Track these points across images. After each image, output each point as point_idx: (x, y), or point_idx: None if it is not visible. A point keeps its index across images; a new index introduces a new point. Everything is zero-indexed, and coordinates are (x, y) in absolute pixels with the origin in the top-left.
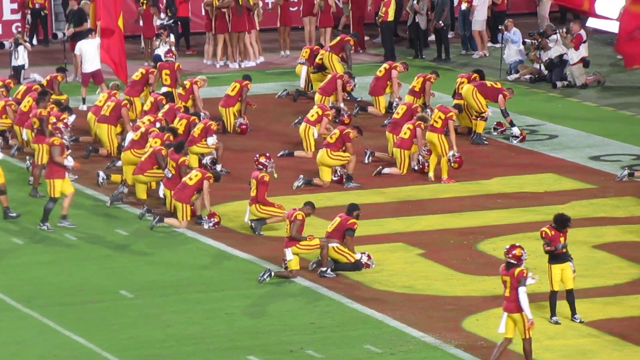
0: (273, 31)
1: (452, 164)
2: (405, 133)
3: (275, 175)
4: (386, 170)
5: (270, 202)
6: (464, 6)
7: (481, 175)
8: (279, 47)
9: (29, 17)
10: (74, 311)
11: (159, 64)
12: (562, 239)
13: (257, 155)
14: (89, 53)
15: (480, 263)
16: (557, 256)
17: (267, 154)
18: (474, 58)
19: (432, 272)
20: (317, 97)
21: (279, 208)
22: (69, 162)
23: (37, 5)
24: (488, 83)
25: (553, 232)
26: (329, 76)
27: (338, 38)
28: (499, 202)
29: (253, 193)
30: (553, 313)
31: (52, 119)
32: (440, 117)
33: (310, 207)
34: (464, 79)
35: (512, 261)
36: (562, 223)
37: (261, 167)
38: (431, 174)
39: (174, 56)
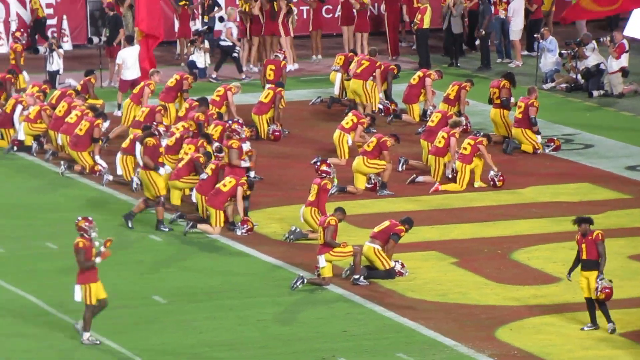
0: (305, 38)
1: (497, 183)
2: (439, 142)
3: (336, 180)
4: (420, 178)
5: (325, 212)
6: (501, 14)
7: (516, 184)
8: (311, 52)
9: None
10: (106, 316)
11: (265, 60)
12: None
13: (318, 163)
14: (130, 61)
15: (514, 272)
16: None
17: (328, 161)
18: (511, 67)
19: (466, 281)
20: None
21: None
22: (166, 170)
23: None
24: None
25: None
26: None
27: (382, 67)
28: (534, 212)
29: (312, 198)
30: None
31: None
32: (469, 144)
33: (341, 212)
34: (495, 88)
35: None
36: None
37: (324, 175)
38: (477, 184)
39: (283, 54)
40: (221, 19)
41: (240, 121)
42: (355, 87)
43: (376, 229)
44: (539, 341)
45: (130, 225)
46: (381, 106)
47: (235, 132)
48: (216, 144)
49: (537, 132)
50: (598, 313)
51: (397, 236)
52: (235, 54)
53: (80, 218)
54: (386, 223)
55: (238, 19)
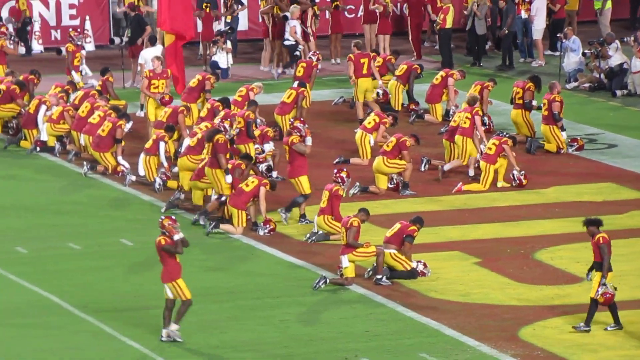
0: (326, 38)
1: (523, 181)
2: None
3: (343, 194)
4: (446, 166)
5: (340, 218)
6: (523, 14)
7: (539, 184)
8: (329, 54)
9: (17, 24)
10: (129, 317)
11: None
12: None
13: (337, 170)
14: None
15: (537, 272)
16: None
17: (351, 161)
18: (533, 66)
19: (489, 281)
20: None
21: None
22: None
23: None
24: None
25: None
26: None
27: (405, 67)
28: (557, 211)
29: (323, 204)
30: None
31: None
32: (494, 144)
33: (364, 213)
34: (519, 88)
35: None
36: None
37: (340, 181)
38: (500, 183)
39: (316, 55)
40: (285, 17)
41: (263, 121)
42: (368, 85)
43: (388, 233)
44: (562, 341)
45: (203, 223)
46: (380, 91)
47: (297, 129)
48: (256, 145)
49: (562, 129)
50: (607, 314)
51: (410, 237)
52: (296, 53)
53: (163, 217)
54: (397, 226)
55: (297, 19)
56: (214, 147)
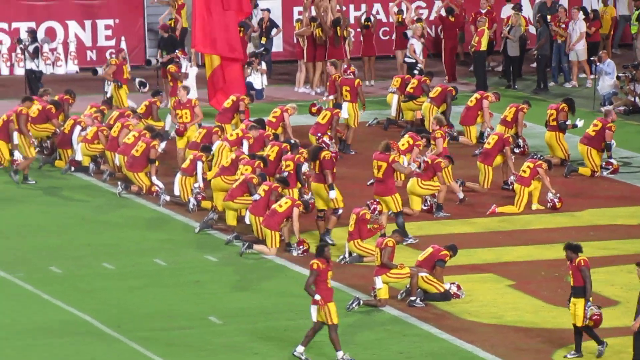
0: (360, 60)
1: (558, 204)
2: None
3: (370, 219)
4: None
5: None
6: (559, 39)
7: (573, 206)
8: (363, 76)
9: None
10: (162, 337)
11: (340, 79)
12: None
13: (373, 201)
14: (188, 81)
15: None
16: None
17: (382, 210)
18: (567, 88)
19: (523, 303)
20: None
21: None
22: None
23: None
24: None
25: None
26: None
27: (439, 89)
28: (591, 234)
29: (351, 228)
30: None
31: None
32: (529, 167)
33: (399, 234)
34: (553, 110)
35: None
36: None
37: (371, 210)
38: (534, 206)
39: (353, 73)
40: (405, 35)
41: (297, 142)
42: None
43: (420, 257)
44: None
45: (331, 241)
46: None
47: (326, 144)
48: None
49: (609, 157)
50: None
51: (442, 262)
52: (415, 71)
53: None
54: (429, 250)
55: (419, 37)
56: (320, 164)
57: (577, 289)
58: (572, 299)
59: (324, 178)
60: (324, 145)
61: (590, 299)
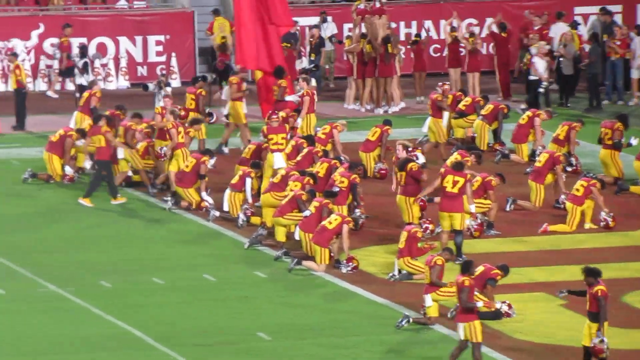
0: (409, 77)
1: (611, 223)
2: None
3: (421, 245)
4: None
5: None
6: (613, 57)
7: (626, 226)
8: (414, 92)
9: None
10: (210, 352)
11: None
12: None
13: (424, 219)
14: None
15: (624, 315)
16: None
17: (434, 230)
18: (619, 105)
19: (575, 323)
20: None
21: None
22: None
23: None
24: None
25: None
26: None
27: (491, 106)
28: None
29: (401, 245)
30: None
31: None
32: (582, 185)
33: (449, 252)
34: (608, 128)
35: None
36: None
37: (423, 229)
38: (587, 225)
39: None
40: (528, 51)
41: (346, 159)
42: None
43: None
44: None
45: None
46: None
47: (415, 156)
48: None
49: None
50: None
51: (493, 281)
52: (540, 89)
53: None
54: (481, 268)
55: (538, 57)
56: (408, 175)
57: (593, 314)
58: (588, 322)
59: (410, 191)
60: (413, 158)
61: (603, 326)
